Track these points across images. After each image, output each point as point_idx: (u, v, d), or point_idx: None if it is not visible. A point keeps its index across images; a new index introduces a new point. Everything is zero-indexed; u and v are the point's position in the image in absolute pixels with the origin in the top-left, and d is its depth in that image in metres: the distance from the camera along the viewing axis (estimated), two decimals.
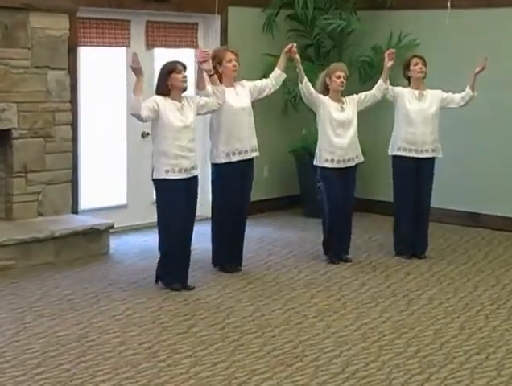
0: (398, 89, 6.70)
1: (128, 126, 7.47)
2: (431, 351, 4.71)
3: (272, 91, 6.44)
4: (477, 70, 6.67)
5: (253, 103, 6.37)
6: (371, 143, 7.73)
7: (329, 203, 6.50)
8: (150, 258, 6.46)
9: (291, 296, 5.73)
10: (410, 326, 5.12)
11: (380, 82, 6.62)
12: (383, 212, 7.81)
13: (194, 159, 5.76)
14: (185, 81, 5.68)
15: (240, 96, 6.19)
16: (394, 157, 6.72)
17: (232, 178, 6.14)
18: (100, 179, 7.49)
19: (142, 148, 7.44)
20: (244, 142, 6.17)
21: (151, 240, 7.18)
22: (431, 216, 7.97)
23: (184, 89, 5.70)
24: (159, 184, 5.70)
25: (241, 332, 4.98)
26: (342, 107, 6.49)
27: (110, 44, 7.28)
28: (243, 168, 6.19)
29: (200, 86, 5.90)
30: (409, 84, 6.72)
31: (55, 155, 6.92)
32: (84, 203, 7.31)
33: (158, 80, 5.72)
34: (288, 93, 8.20)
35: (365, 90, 7.45)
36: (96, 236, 6.71)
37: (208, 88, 5.86)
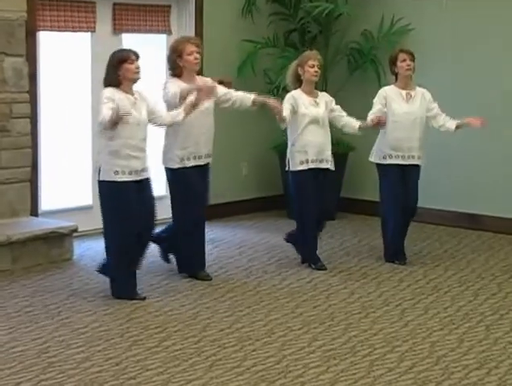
0: (384, 91, 6.66)
1: (93, 120, 7.43)
2: (426, 365, 4.72)
3: (225, 106, 6.33)
4: (472, 125, 6.66)
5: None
6: (359, 139, 7.74)
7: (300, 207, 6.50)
8: None
9: (274, 306, 5.72)
10: (404, 339, 5.13)
11: (355, 125, 6.55)
12: (372, 213, 7.82)
13: (146, 160, 5.72)
14: (138, 72, 5.61)
15: None
16: (379, 165, 6.71)
17: (187, 182, 6.12)
18: (62, 178, 7.45)
19: None
20: (200, 147, 6.14)
21: None
22: (425, 218, 8.03)
23: (136, 81, 5.64)
24: (106, 187, 5.63)
25: (219, 346, 4.97)
26: (316, 102, 6.48)
27: (73, 29, 7.25)
28: (197, 173, 6.17)
29: (185, 116, 5.88)
30: (396, 80, 6.73)
31: (12, 151, 6.87)
32: (45, 204, 7.27)
33: (108, 70, 5.62)
34: (270, 83, 8.20)
35: (354, 80, 7.51)
36: (58, 240, 6.67)
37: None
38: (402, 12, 8.20)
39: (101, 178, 5.64)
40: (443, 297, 5.98)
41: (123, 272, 5.76)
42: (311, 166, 6.44)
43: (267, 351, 4.88)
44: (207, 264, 6.41)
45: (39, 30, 7.04)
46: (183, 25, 7.98)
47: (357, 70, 8.37)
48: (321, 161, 6.47)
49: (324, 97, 6.57)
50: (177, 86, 5.98)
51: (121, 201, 5.62)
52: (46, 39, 7.19)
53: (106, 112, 5.41)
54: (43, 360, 4.70)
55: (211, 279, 6.25)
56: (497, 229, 7.83)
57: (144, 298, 5.77)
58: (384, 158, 6.65)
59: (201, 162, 6.19)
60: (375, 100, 6.66)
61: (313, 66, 6.41)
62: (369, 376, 4.56)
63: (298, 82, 6.48)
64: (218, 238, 7.55)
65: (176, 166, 6.11)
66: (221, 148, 7.87)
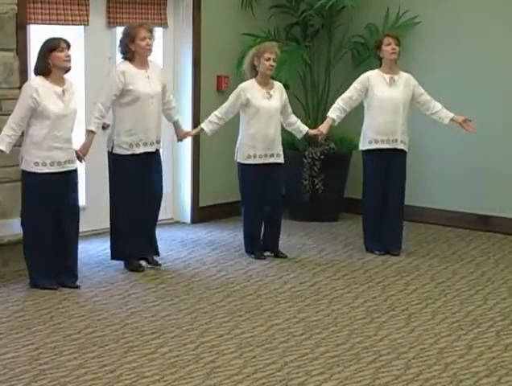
0: (363, 80, 6.86)
1: (86, 116, 7.42)
2: (434, 373, 4.72)
3: (165, 111, 6.62)
4: (463, 127, 6.90)
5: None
6: (357, 135, 7.77)
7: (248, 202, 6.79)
8: (112, 267, 6.43)
9: (275, 310, 5.73)
10: (411, 345, 5.13)
11: (302, 130, 6.93)
12: None
13: (72, 152, 5.91)
14: (69, 60, 5.79)
15: (151, 80, 6.34)
16: (365, 152, 6.95)
17: (135, 170, 6.31)
18: None
19: (102, 142, 7.40)
20: (150, 133, 6.32)
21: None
22: (433, 219, 8.03)
23: (68, 70, 5.81)
24: (26, 177, 5.86)
25: (218, 352, 4.97)
26: (269, 93, 6.59)
27: (66, 22, 7.24)
28: (147, 161, 6.35)
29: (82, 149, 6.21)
30: (380, 64, 6.87)
31: None
32: None
33: (38, 58, 5.82)
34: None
35: (358, 75, 7.46)
36: None
37: None
38: (409, 4, 8.20)
39: (22, 168, 5.87)
40: (452, 301, 5.98)
41: (40, 260, 5.92)
42: (259, 161, 6.64)
43: (268, 358, 4.88)
44: (205, 267, 6.42)
45: (29, 24, 7.03)
46: (179, 18, 7.98)
47: (362, 64, 8.36)
48: (271, 155, 6.67)
49: (278, 89, 6.72)
50: (116, 88, 6.22)
51: (39, 194, 5.81)
52: (37, 33, 7.18)
53: (5, 139, 5.78)
54: (34, 367, 4.70)
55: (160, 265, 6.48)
56: (508, 231, 7.82)
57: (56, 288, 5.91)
58: (370, 142, 6.87)
59: (152, 149, 6.38)
60: (353, 84, 6.89)
61: (269, 59, 6.57)
62: (374, 384, 4.56)
63: (254, 71, 6.65)
64: (217, 240, 7.55)
65: (125, 152, 6.29)
66: (220, 147, 7.89)
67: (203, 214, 8.15)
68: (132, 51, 6.28)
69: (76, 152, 6.02)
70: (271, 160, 6.70)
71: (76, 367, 4.71)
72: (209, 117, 6.73)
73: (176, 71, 8.00)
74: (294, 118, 6.94)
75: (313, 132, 6.99)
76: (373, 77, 6.85)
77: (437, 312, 5.74)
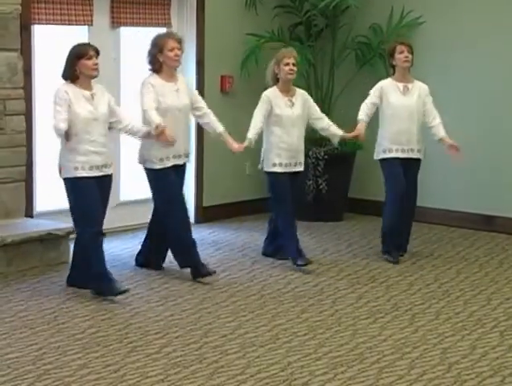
0: (378, 89, 6.78)
1: None
2: (438, 373, 4.72)
3: (196, 119, 6.58)
4: (449, 149, 6.82)
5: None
6: (367, 137, 7.73)
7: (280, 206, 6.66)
8: (114, 267, 6.44)
9: (279, 311, 5.73)
10: (414, 345, 5.13)
11: (336, 133, 6.73)
12: (381, 213, 7.80)
13: (107, 156, 5.85)
14: (96, 69, 5.74)
15: (180, 93, 6.26)
16: (381, 161, 6.86)
17: (168, 179, 6.25)
18: (58, 178, 7.43)
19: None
20: (178, 146, 6.22)
21: (120, 246, 7.17)
22: (437, 220, 8.03)
23: (94, 77, 5.78)
24: (70, 184, 5.81)
25: (221, 352, 4.97)
26: (291, 101, 6.56)
27: (70, 22, 7.25)
28: (175, 173, 6.29)
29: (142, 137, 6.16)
30: (393, 72, 6.81)
31: (5, 150, 6.87)
32: (40, 204, 7.27)
33: (66, 63, 5.78)
34: None
35: (362, 75, 7.50)
36: (53, 242, 6.68)
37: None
38: (413, 4, 8.20)
39: (62, 176, 5.83)
40: (455, 301, 5.98)
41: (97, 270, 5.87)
42: (286, 169, 6.58)
43: (271, 358, 4.88)
44: (209, 267, 6.40)
45: (33, 24, 7.04)
46: (183, 18, 7.98)
47: (365, 65, 8.37)
48: (295, 165, 6.62)
49: (300, 96, 6.64)
50: (152, 96, 6.09)
51: (83, 198, 5.78)
52: (41, 33, 7.19)
53: (60, 123, 5.59)
54: (38, 367, 4.70)
55: (214, 271, 6.32)
56: None
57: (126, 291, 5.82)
58: (384, 152, 6.79)
59: (180, 162, 6.33)
60: (371, 92, 6.80)
61: (288, 64, 6.49)
62: (377, 384, 4.56)
63: (276, 80, 6.59)
64: (220, 240, 7.55)
65: (156, 166, 6.23)
66: (224, 147, 7.87)
67: (206, 214, 8.15)
68: (160, 62, 6.16)
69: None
70: (295, 169, 6.62)
71: (80, 367, 4.71)
72: (253, 128, 6.52)
73: (180, 72, 7.98)
74: (326, 122, 6.73)
75: (351, 135, 6.77)
76: (387, 86, 6.76)
77: (441, 312, 5.74)
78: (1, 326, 5.33)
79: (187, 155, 6.42)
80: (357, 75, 8.36)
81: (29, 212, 7.08)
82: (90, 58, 5.70)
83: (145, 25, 7.76)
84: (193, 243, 6.36)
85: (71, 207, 5.89)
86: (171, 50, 6.17)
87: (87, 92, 5.74)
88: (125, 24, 7.65)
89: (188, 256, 6.34)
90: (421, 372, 4.72)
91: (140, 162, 6.36)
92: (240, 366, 4.77)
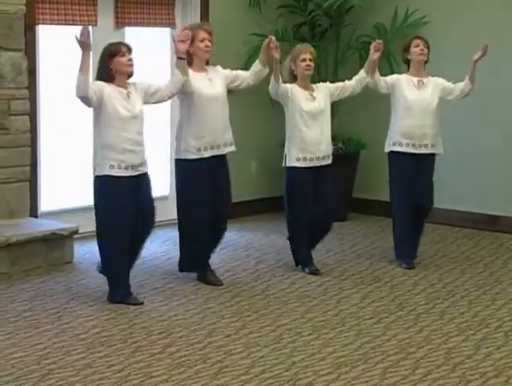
0: (394, 78, 6.72)
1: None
2: (442, 373, 4.71)
3: (246, 85, 6.33)
4: (476, 57, 6.64)
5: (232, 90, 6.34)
6: (371, 136, 7.75)
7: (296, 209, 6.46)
8: None
9: (283, 311, 5.72)
10: (419, 345, 5.12)
11: (362, 73, 6.58)
12: (385, 213, 7.82)
13: (143, 155, 5.76)
14: (131, 65, 5.67)
15: (213, 82, 6.15)
16: (390, 153, 6.73)
17: (203, 175, 6.09)
18: (63, 177, 7.46)
19: None
20: (216, 136, 6.12)
21: None
22: (442, 219, 8.01)
23: (130, 74, 5.70)
24: (101, 182, 5.66)
25: (225, 352, 4.96)
26: (312, 95, 6.46)
27: (74, 22, 7.25)
28: (215, 165, 6.15)
29: (182, 73, 5.88)
30: (408, 68, 6.75)
31: (10, 150, 6.88)
32: (45, 204, 7.29)
33: (100, 64, 5.69)
34: None
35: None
36: (58, 242, 6.68)
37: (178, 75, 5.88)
38: (417, 4, 8.19)
39: (96, 174, 5.68)
40: (460, 301, 5.97)
41: (117, 274, 5.78)
42: (310, 164, 6.43)
43: (276, 358, 4.88)
44: (212, 267, 6.40)
45: (38, 24, 7.05)
46: (187, 18, 7.98)
47: None
48: (317, 158, 6.46)
49: (320, 89, 6.52)
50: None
51: (116, 198, 5.64)
52: (45, 33, 7.20)
53: (86, 79, 5.46)
54: (42, 367, 4.70)
55: (221, 284, 6.24)
56: None
57: (142, 303, 5.76)
58: (394, 144, 6.67)
59: (220, 152, 6.17)
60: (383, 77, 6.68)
61: (305, 60, 6.39)
62: (382, 384, 4.56)
63: (293, 78, 6.47)
64: (224, 240, 7.52)
65: (193, 156, 6.08)
66: None
67: None
68: (190, 54, 6.05)
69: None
70: (321, 163, 6.45)
71: (84, 367, 4.71)
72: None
73: None
74: (349, 83, 6.55)
75: (373, 56, 6.51)
76: (402, 79, 6.67)
77: (445, 312, 5.73)
78: (5, 325, 5.33)
79: (229, 144, 6.20)
80: None
81: (33, 212, 7.08)
82: (124, 55, 5.63)
83: (149, 25, 7.77)
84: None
85: (98, 207, 5.72)
86: (202, 41, 6.07)
87: (123, 91, 5.65)
88: (130, 24, 7.66)
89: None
90: (425, 372, 4.71)
91: (176, 153, 6.17)
92: (244, 366, 4.77)
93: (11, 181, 6.91)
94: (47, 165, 7.33)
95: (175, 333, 5.26)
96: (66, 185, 7.48)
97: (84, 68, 5.49)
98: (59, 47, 7.34)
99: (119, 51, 5.64)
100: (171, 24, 7.85)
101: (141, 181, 5.75)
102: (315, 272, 6.52)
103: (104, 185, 5.67)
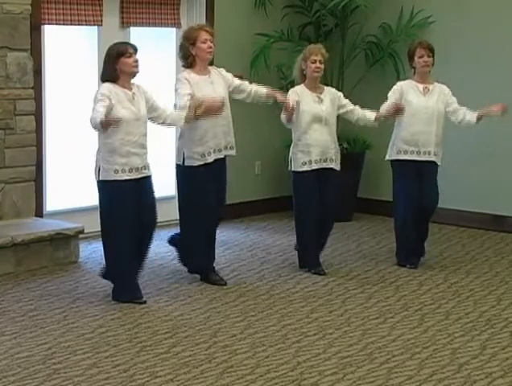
0: (398, 88, 6.64)
1: None
2: (448, 373, 4.70)
3: (243, 99, 6.34)
4: (493, 114, 6.62)
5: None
6: (376, 136, 7.73)
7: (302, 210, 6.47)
8: None
9: (288, 310, 5.72)
10: (424, 346, 5.12)
11: (371, 117, 6.52)
12: (390, 214, 7.80)
13: (146, 158, 5.75)
14: (137, 66, 5.66)
15: (215, 85, 6.13)
16: (393, 161, 6.71)
17: (206, 179, 6.08)
18: (68, 177, 7.47)
19: None
20: (219, 139, 6.11)
21: None
22: (446, 219, 8.00)
23: (135, 75, 5.69)
24: (106, 186, 5.66)
25: (231, 352, 4.96)
26: (319, 98, 6.44)
27: (79, 22, 7.26)
28: (216, 168, 6.14)
29: (185, 121, 5.94)
30: (414, 73, 6.73)
31: (15, 150, 6.89)
32: (50, 204, 7.29)
33: (105, 63, 5.68)
34: (284, 79, 8.19)
35: (372, 75, 7.49)
36: (63, 242, 6.69)
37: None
38: (423, 4, 8.18)
39: (100, 178, 5.67)
40: (465, 301, 5.96)
41: (124, 275, 5.78)
42: (314, 166, 6.42)
43: (281, 358, 4.88)
44: (218, 267, 6.41)
45: (43, 24, 7.06)
46: (193, 18, 7.98)
47: (375, 65, 8.36)
48: (325, 160, 6.44)
49: (329, 93, 6.51)
50: (188, 87, 5.96)
51: (121, 201, 5.64)
52: (51, 33, 7.21)
53: (100, 111, 5.39)
54: (48, 367, 4.71)
55: (225, 283, 6.24)
56: None
57: (144, 302, 5.76)
58: (398, 153, 6.64)
59: (221, 155, 6.16)
60: (390, 94, 6.65)
61: (315, 61, 6.37)
62: (387, 384, 4.55)
63: (303, 77, 6.46)
64: (229, 240, 7.55)
65: (197, 163, 6.06)
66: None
67: None
68: (193, 55, 6.03)
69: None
70: (327, 165, 6.43)
71: (90, 367, 4.72)
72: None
73: None
74: (357, 112, 6.54)
75: (383, 113, 6.52)
76: (407, 86, 6.62)
77: (451, 312, 5.72)
78: (11, 325, 5.34)
79: (226, 148, 6.19)
80: (366, 74, 8.35)
81: (39, 212, 7.09)
82: (130, 56, 5.62)
83: (154, 25, 7.77)
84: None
85: (103, 210, 5.72)
86: (204, 42, 6.03)
87: (128, 92, 5.64)
88: (135, 24, 7.66)
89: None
90: (431, 373, 4.71)
91: (178, 161, 6.15)
92: (249, 366, 4.77)
93: (17, 181, 6.92)
94: (53, 165, 7.33)
95: (181, 333, 5.26)
96: (71, 185, 7.49)
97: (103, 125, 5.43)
98: (64, 47, 7.36)
99: (126, 52, 5.63)
100: (177, 24, 7.86)
101: (144, 184, 5.75)
102: (319, 272, 6.52)
103: (109, 190, 5.66)
